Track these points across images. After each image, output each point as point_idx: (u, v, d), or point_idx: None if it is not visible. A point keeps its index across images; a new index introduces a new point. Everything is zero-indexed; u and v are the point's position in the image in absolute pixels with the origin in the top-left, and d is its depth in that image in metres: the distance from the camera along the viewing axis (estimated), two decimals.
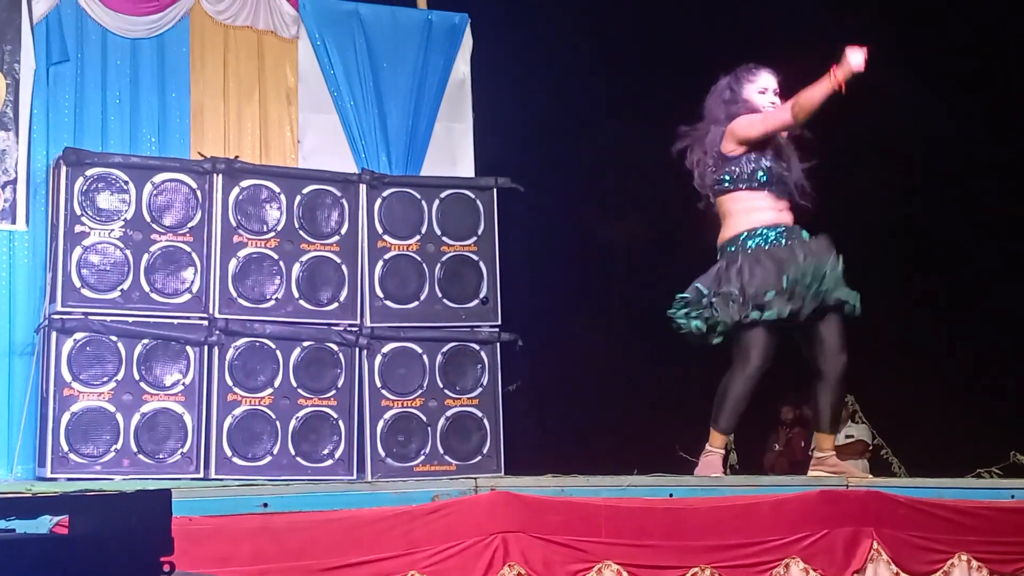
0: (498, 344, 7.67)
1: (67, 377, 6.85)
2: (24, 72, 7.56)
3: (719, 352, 6.47)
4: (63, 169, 7.05)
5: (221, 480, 6.80)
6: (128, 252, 7.05)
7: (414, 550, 4.90)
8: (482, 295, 7.71)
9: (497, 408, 7.60)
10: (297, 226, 7.42)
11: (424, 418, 7.49)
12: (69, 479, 6.61)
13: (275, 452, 7.17)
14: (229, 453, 7.05)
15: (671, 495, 5.49)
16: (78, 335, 6.87)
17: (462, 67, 8.60)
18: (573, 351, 8.20)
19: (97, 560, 2.40)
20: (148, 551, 2.38)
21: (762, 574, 5.42)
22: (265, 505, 4.79)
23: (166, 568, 2.35)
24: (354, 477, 7.26)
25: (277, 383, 7.23)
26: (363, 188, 7.60)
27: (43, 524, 3.53)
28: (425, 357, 7.54)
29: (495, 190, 7.81)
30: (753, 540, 5.42)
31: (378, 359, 7.45)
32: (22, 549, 2.46)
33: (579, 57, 8.36)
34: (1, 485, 6.11)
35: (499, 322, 7.69)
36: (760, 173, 6.59)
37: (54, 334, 6.87)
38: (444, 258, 7.68)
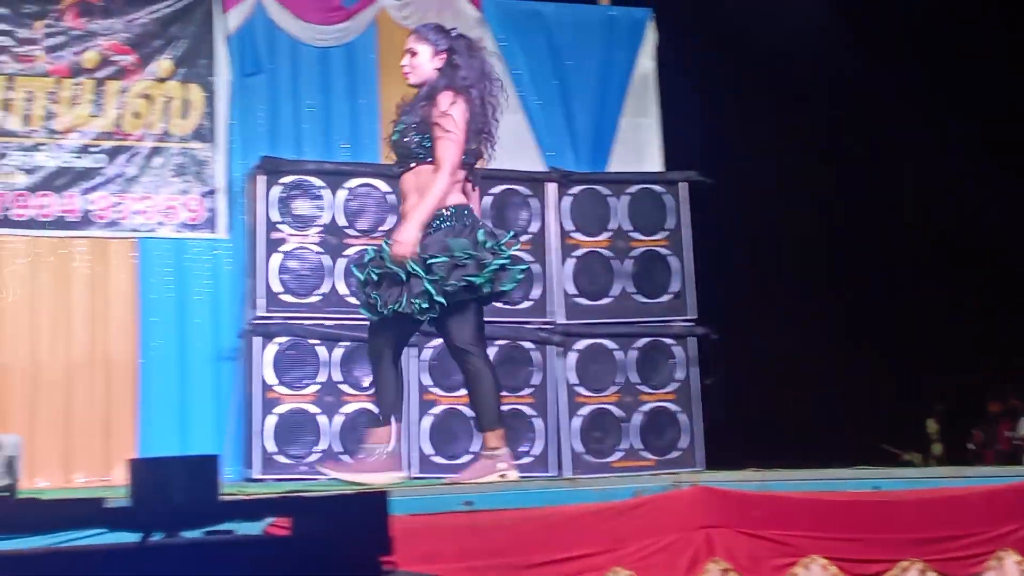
0: (693, 338, 7.62)
1: (271, 380, 7.01)
2: (220, 85, 7.76)
3: (917, 344, 6.31)
4: (260, 177, 7.22)
5: (423, 479, 6.89)
6: (325, 257, 7.19)
7: (618, 546, 4.87)
8: (675, 289, 7.66)
9: (695, 403, 7.55)
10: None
11: (620, 414, 7.48)
12: (277, 480, 6.77)
13: (473, 450, 7.23)
14: (429, 452, 7.14)
15: (877, 487, 5.36)
16: (280, 339, 7.03)
17: (646, 62, 8.57)
18: (769, 343, 8.09)
19: (318, 560, 2.44)
20: (368, 551, 2.42)
21: (974, 566, 5.25)
22: (469, 503, 4.81)
23: (387, 567, 2.39)
24: (551, 474, 7.29)
25: None
26: (552, 186, 7.62)
27: (255, 525, 3.59)
28: (619, 353, 7.54)
29: (685, 183, 7.76)
30: (964, 532, 5.26)
31: (572, 356, 7.47)
32: (245, 550, 2.51)
33: (764, 47, 8.24)
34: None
35: (693, 316, 7.64)
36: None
37: (257, 339, 7.03)
38: (635, 253, 7.67)
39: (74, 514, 2.56)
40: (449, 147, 5.41)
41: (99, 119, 7.59)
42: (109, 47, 7.67)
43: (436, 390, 7.23)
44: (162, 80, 7.70)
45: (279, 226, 7.19)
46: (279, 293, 7.09)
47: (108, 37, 7.67)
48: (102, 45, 7.65)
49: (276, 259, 7.15)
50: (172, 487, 2.38)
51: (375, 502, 2.41)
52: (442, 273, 5.31)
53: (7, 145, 7.44)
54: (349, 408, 7.09)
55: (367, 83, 8.13)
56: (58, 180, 7.48)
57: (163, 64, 7.71)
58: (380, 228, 7.29)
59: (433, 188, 5.39)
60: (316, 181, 7.27)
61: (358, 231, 7.28)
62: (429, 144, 5.46)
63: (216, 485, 2.49)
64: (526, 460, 7.29)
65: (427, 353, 7.24)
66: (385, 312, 5.37)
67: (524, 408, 7.37)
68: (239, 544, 2.55)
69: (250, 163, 7.50)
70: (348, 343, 7.12)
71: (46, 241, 7.46)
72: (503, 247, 5.44)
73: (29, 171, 7.46)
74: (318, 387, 7.07)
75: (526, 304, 7.49)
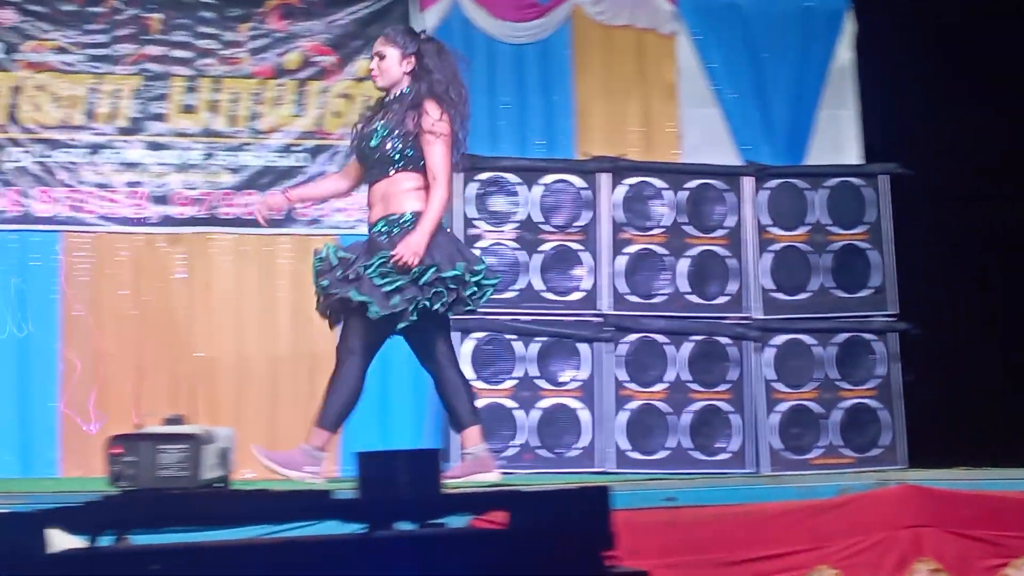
0: (894, 334, 7.47)
1: (469, 375, 7.03)
2: None
3: None
4: (456, 175, 7.26)
5: (621, 474, 6.90)
6: (521, 253, 7.24)
7: (822, 544, 4.83)
8: (875, 284, 7.52)
9: (896, 399, 7.41)
10: (683, 221, 7.44)
11: (819, 410, 7.38)
12: None
13: (670, 446, 7.21)
14: (626, 447, 7.14)
15: None
16: (478, 335, 7.10)
17: (845, 52, 8.45)
18: (975, 339, 7.87)
19: (538, 554, 2.46)
20: (590, 546, 2.43)
21: None
22: (671, 499, 4.82)
23: (611, 564, 2.40)
24: (749, 471, 7.23)
25: (669, 377, 7.27)
26: (748, 180, 7.55)
27: (469, 518, 3.62)
28: (818, 349, 7.44)
29: (886, 176, 7.61)
30: None
31: (770, 352, 7.39)
32: (462, 543, 2.54)
33: (971, 32, 8.03)
34: None
35: (895, 311, 7.48)
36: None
37: (455, 334, 7.10)
38: (833, 248, 7.55)
39: (301, 505, 2.63)
40: (445, 154, 5.59)
41: (301, 119, 7.78)
42: (310, 48, 7.85)
43: (632, 385, 7.22)
44: (361, 80, 7.84)
45: (475, 222, 7.26)
46: None
47: (309, 38, 7.85)
48: (304, 46, 7.84)
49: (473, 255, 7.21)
50: (398, 480, 2.43)
51: (597, 496, 2.42)
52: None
53: (214, 145, 7.67)
54: (545, 403, 7.13)
55: (561, 80, 8.17)
56: (262, 179, 7.69)
57: (362, 64, 7.85)
58: (575, 223, 7.31)
59: (435, 198, 5.56)
60: (512, 177, 7.33)
61: (553, 227, 7.31)
62: (411, 152, 5.59)
63: (438, 478, 2.53)
64: (722, 456, 7.25)
65: (623, 348, 7.24)
66: (414, 316, 5.54)
67: (721, 404, 7.32)
68: (456, 537, 2.59)
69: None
70: (544, 338, 7.16)
71: (251, 238, 7.67)
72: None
73: (235, 170, 7.68)
74: (515, 382, 7.12)
75: (723, 299, 7.44)
